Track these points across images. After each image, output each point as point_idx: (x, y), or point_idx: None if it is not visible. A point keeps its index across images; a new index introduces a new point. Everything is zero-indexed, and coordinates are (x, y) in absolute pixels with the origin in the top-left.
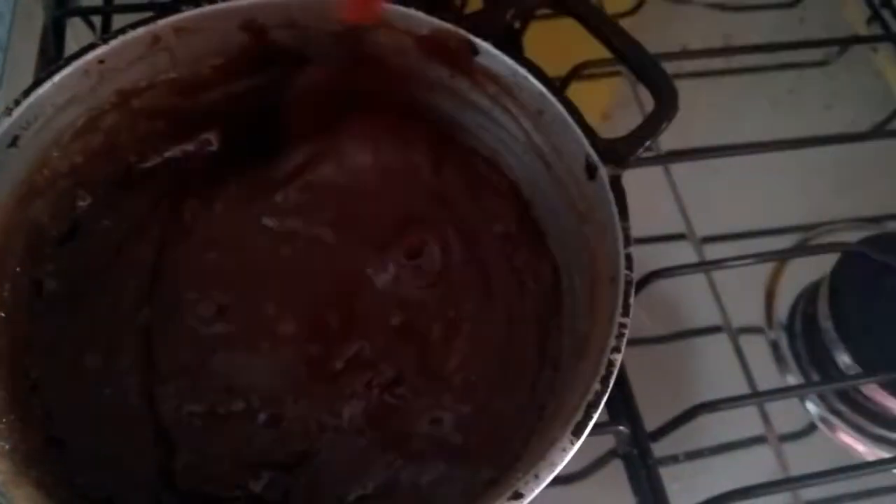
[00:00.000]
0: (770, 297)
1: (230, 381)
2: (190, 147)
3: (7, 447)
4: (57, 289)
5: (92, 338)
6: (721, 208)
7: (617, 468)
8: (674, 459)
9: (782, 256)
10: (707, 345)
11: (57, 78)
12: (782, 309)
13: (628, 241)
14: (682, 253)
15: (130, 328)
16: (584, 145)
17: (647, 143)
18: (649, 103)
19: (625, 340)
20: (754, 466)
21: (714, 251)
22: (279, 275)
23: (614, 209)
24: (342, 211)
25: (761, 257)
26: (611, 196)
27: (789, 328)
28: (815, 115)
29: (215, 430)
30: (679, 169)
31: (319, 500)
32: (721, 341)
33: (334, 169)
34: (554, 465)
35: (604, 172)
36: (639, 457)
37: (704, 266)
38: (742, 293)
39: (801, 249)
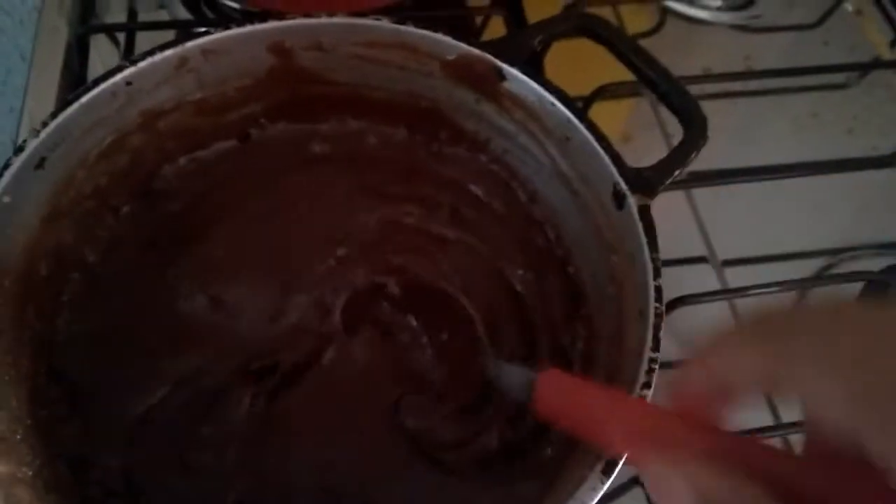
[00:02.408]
0: None
1: None
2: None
3: (30, 474)
4: (82, 314)
5: (117, 359)
6: (742, 231)
7: (638, 496)
8: None
9: (806, 286)
10: None
11: (85, 99)
12: None
13: (658, 272)
14: (703, 276)
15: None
16: (613, 173)
17: (677, 173)
18: (671, 124)
19: (655, 376)
20: None
21: (735, 274)
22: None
23: (643, 240)
24: None
25: (785, 286)
26: (640, 226)
27: None
28: (836, 139)
29: None
30: (700, 191)
31: None
32: None
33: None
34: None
35: (633, 201)
36: None
37: (728, 293)
38: None
39: (826, 278)
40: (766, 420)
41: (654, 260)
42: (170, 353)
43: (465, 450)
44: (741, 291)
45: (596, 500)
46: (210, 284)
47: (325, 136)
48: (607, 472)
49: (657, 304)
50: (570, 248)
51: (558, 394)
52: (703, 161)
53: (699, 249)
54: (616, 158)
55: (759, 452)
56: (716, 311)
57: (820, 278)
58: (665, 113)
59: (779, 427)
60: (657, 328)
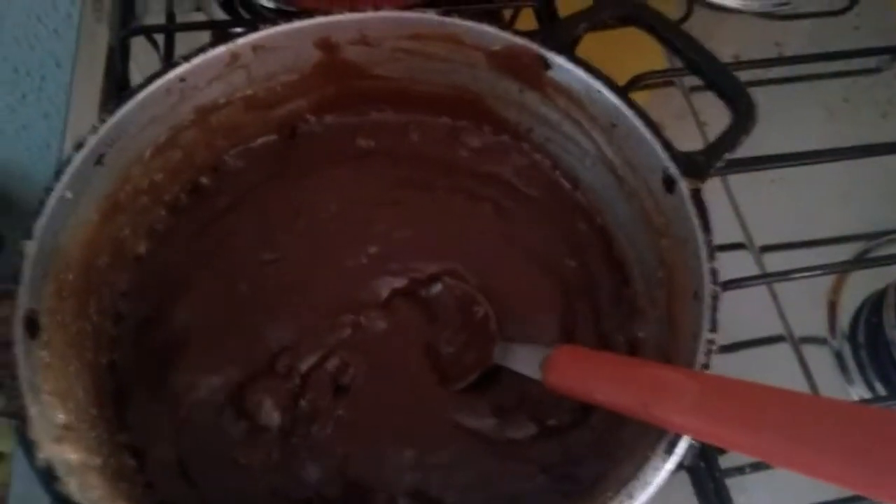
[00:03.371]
0: (833, 306)
1: None
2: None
3: (99, 462)
4: (138, 306)
5: (178, 349)
6: (779, 218)
7: (682, 481)
8: (740, 471)
9: (846, 268)
10: (770, 355)
11: (141, 96)
12: (845, 318)
13: (712, 255)
14: (742, 263)
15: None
16: (663, 158)
17: (727, 156)
18: (704, 112)
19: (712, 357)
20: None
21: (773, 260)
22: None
23: (696, 223)
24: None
25: (826, 269)
26: (692, 209)
27: (852, 338)
28: (870, 123)
29: None
30: (735, 179)
31: None
32: (784, 351)
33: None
34: (648, 483)
35: (683, 186)
36: (706, 469)
37: (769, 277)
38: (804, 303)
39: (865, 261)
40: None
41: (708, 242)
42: (217, 347)
43: (505, 432)
44: (783, 275)
45: (661, 479)
46: (255, 277)
47: (369, 131)
48: (670, 450)
49: (713, 286)
50: (615, 234)
51: (573, 367)
52: (739, 148)
53: (736, 236)
54: (665, 143)
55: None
56: (754, 295)
57: (860, 261)
58: (698, 102)
59: None
60: (714, 309)
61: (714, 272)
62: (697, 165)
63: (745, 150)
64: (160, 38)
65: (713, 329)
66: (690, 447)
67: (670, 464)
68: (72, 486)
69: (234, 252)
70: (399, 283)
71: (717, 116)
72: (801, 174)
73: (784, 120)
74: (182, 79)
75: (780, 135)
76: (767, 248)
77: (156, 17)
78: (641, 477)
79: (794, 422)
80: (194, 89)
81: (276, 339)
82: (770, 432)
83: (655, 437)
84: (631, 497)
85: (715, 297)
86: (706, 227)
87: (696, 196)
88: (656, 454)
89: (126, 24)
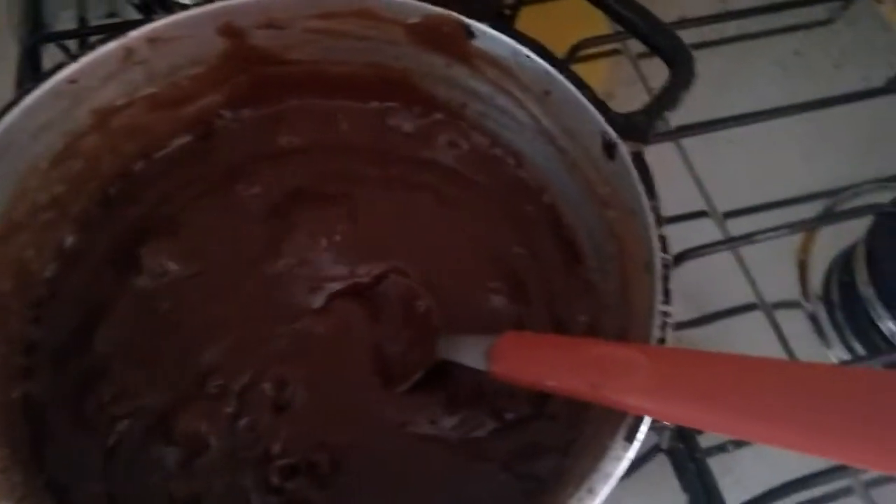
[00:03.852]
0: (803, 267)
1: None
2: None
3: None
4: (52, 333)
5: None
6: (740, 181)
7: (662, 464)
8: (722, 450)
9: (813, 225)
10: (743, 324)
11: (26, 103)
12: (817, 279)
13: (660, 221)
14: (706, 231)
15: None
16: (600, 122)
17: (667, 114)
18: (653, 78)
19: (670, 331)
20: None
21: (739, 226)
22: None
23: (640, 188)
24: None
25: (792, 228)
26: (635, 174)
27: (826, 299)
28: (825, 75)
29: None
30: (692, 144)
31: None
32: (757, 319)
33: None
34: (609, 475)
35: (624, 150)
36: (685, 450)
37: (733, 242)
38: (773, 267)
39: (833, 216)
40: None
41: (654, 208)
42: (142, 371)
43: (462, 430)
44: (748, 238)
45: (621, 469)
46: (177, 294)
47: (292, 124)
48: (630, 437)
49: (664, 255)
50: (563, 210)
51: (519, 353)
52: (690, 112)
53: (698, 204)
54: (601, 106)
55: None
56: (721, 263)
57: (826, 216)
58: (647, 68)
59: None
60: (666, 279)
61: (663, 239)
62: (637, 127)
63: (698, 112)
64: (73, 45)
65: (666, 300)
66: (666, 429)
67: (631, 452)
68: None
69: (150, 269)
70: (337, 286)
71: None
72: (759, 134)
73: (737, 80)
74: (72, 80)
75: (733, 95)
76: (731, 214)
77: (67, 23)
78: (601, 468)
79: (761, 391)
80: (88, 91)
81: (205, 358)
82: (735, 405)
83: (615, 424)
84: (592, 491)
85: (667, 266)
86: (651, 192)
87: (639, 159)
88: (615, 443)
89: (35, 31)
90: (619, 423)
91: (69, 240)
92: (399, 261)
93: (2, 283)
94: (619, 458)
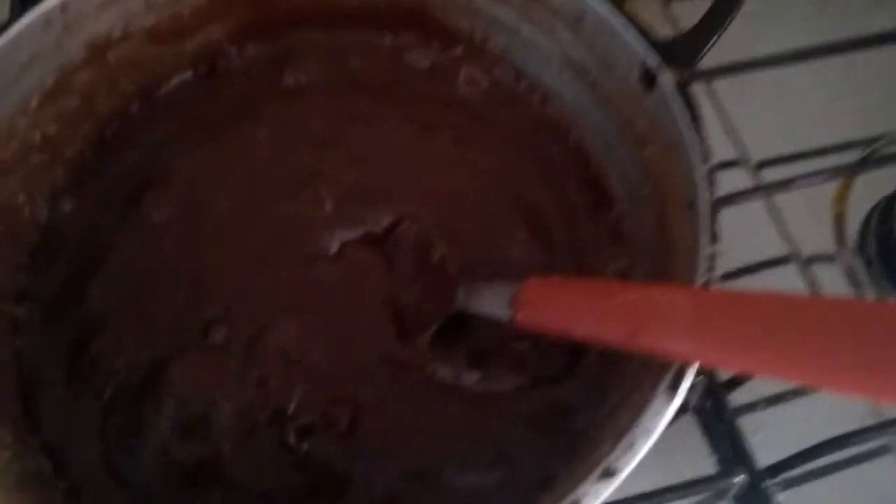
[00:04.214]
0: (839, 220)
1: None
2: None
3: None
4: (44, 283)
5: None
6: (774, 128)
7: (689, 425)
8: (751, 409)
9: (851, 171)
10: (776, 277)
11: (13, 32)
12: (853, 231)
13: (707, 156)
14: (738, 181)
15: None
16: (639, 50)
17: (716, 39)
18: (684, 19)
19: (716, 274)
20: (844, 409)
21: (773, 176)
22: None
23: (684, 120)
24: None
25: (828, 174)
26: (678, 105)
27: (863, 251)
28: (863, 13)
29: None
30: (723, 89)
31: None
32: (791, 273)
33: None
34: (650, 430)
35: (666, 79)
36: (713, 409)
37: (768, 189)
38: (808, 219)
39: (872, 162)
40: None
41: (700, 142)
42: (140, 323)
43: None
44: (783, 185)
45: (664, 424)
46: (178, 241)
47: (300, 62)
48: (674, 388)
49: (711, 192)
50: (591, 151)
51: (547, 300)
52: (722, 53)
53: (729, 153)
54: (642, 32)
55: None
56: (755, 214)
57: (867, 162)
58: (677, 8)
59: None
60: (713, 218)
61: (710, 175)
62: (681, 54)
63: (730, 54)
64: None
65: (714, 240)
66: (693, 387)
67: (674, 406)
68: None
69: (151, 215)
70: (351, 235)
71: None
72: (793, 77)
73: (770, 20)
74: (63, 7)
75: (767, 36)
76: (765, 164)
77: None
78: (642, 423)
79: (815, 331)
80: (81, 19)
81: (207, 308)
82: (789, 347)
83: (655, 377)
84: (632, 447)
85: (714, 205)
86: (697, 126)
87: (683, 90)
88: (657, 395)
89: None
90: (660, 374)
91: (63, 184)
92: (414, 206)
93: None
94: (662, 412)
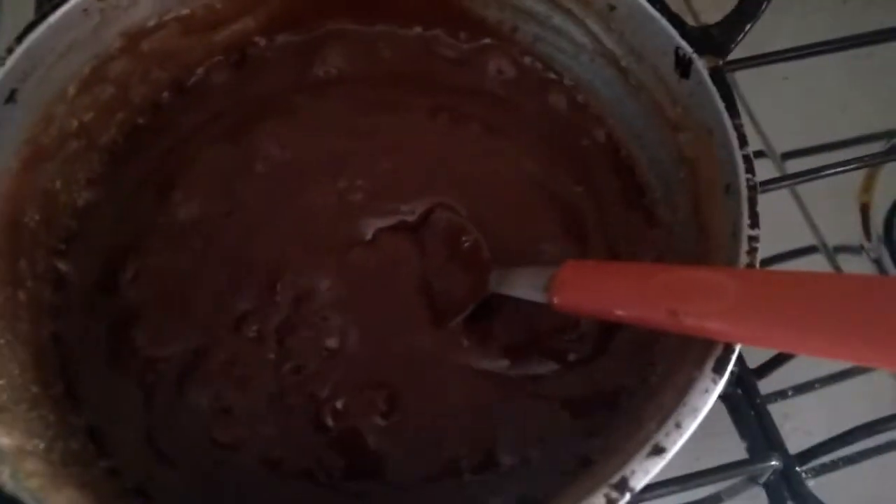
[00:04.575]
0: (865, 210)
1: None
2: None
3: (42, 446)
4: (82, 270)
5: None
6: (797, 120)
7: (718, 411)
8: (782, 396)
9: (877, 161)
10: (804, 267)
11: (53, 19)
12: (879, 221)
13: (743, 140)
14: (764, 172)
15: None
16: (673, 37)
17: (749, 28)
18: (704, 13)
19: (758, 256)
20: (873, 396)
21: (798, 167)
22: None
23: (720, 105)
24: None
25: (855, 163)
26: (714, 91)
27: (889, 241)
28: (885, 5)
29: None
30: (746, 81)
31: None
32: (817, 263)
33: None
34: (697, 409)
35: (700, 65)
36: (744, 396)
37: (795, 178)
38: (834, 210)
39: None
40: None
41: (737, 127)
42: (176, 312)
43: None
44: (809, 175)
45: (710, 403)
46: (211, 232)
47: (330, 53)
48: (720, 369)
49: (749, 176)
50: (623, 138)
51: (585, 281)
52: (744, 45)
53: (754, 144)
54: (675, 19)
55: None
56: (781, 205)
57: (891, 153)
58: (697, 3)
59: None
60: (752, 202)
61: (748, 159)
62: (715, 40)
63: (752, 46)
64: None
65: (754, 224)
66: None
67: (720, 385)
68: (4, 475)
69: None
70: (384, 223)
71: None
72: (817, 68)
73: (793, 11)
74: None
75: (789, 28)
76: (790, 155)
77: None
78: (689, 402)
79: (853, 306)
80: (117, 9)
81: (243, 297)
82: (827, 322)
83: (699, 357)
84: (679, 426)
85: (753, 188)
86: (733, 111)
87: (718, 76)
88: (703, 375)
89: None
90: (704, 354)
91: (98, 171)
92: (445, 195)
93: (31, 213)
94: (709, 391)
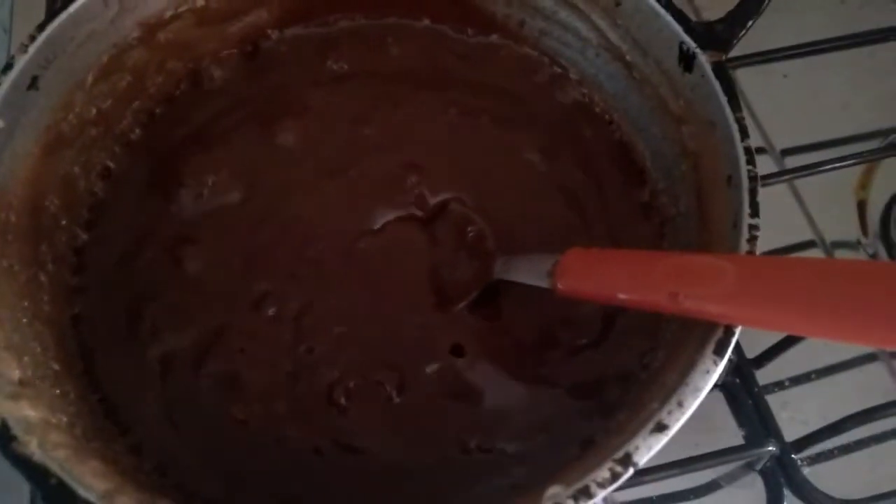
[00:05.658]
0: (862, 207)
1: None
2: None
3: (65, 420)
4: (100, 254)
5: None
6: (797, 117)
7: (716, 400)
8: (779, 386)
9: (874, 157)
10: None
11: (73, 9)
12: (876, 217)
13: (745, 133)
14: (763, 168)
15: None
16: (678, 32)
17: (751, 24)
18: (706, 10)
19: (758, 245)
20: (867, 387)
21: (797, 163)
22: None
23: (722, 99)
24: None
25: (853, 159)
26: (717, 85)
27: (885, 237)
28: (884, 4)
29: None
30: (746, 77)
31: None
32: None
33: None
34: (699, 389)
35: (704, 60)
36: (742, 386)
37: (793, 173)
38: (831, 206)
39: (893, 150)
40: None
41: (738, 119)
42: (193, 296)
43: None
44: (807, 170)
45: (710, 384)
46: (226, 219)
47: (342, 48)
48: (720, 351)
49: (750, 167)
50: (626, 131)
51: (586, 268)
52: (744, 42)
53: (754, 140)
54: (679, 15)
55: None
56: (780, 200)
57: (889, 148)
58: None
59: None
60: (753, 192)
61: (749, 151)
62: (718, 35)
63: (752, 43)
64: None
65: (754, 214)
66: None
67: (721, 366)
68: (32, 445)
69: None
70: (395, 214)
71: None
72: (816, 66)
73: (793, 10)
74: None
75: (789, 26)
76: (789, 151)
77: None
78: (691, 383)
79: (859, 292)
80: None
81: (257, 282)
82: (825, 304)
83: (700, 339)
84: (681, 405)
85: (753, 179)
86: (735, 104)
87: (720, 70)
88: (705, 356)
89: None
90: (706, 337)
91: (115, 158)
92: (454, 187)
93: (51, 198)
94: (710, 372)
